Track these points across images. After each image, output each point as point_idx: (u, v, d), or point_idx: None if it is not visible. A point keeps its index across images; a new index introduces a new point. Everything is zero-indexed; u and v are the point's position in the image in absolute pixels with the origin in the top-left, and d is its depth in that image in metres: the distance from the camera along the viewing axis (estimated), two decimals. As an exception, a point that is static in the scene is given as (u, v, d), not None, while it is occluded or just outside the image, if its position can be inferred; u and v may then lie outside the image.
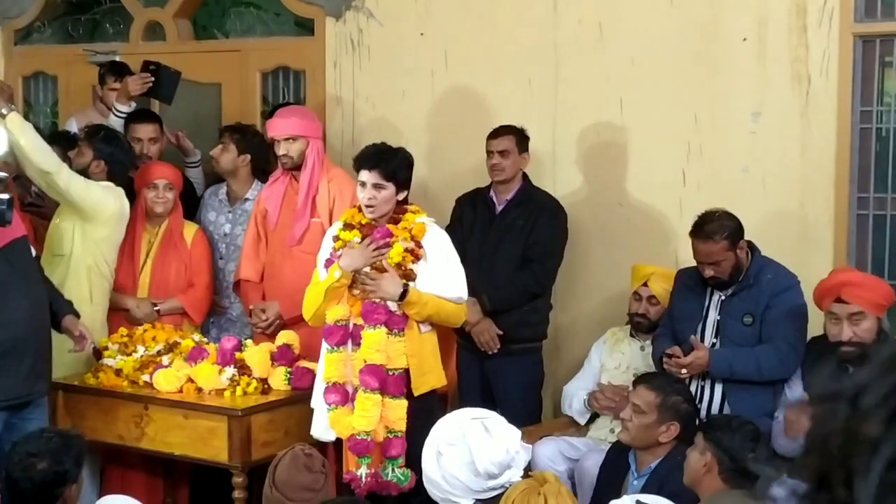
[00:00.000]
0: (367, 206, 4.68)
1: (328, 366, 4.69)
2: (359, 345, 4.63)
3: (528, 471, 3.72)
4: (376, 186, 4.67)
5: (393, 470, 4.59)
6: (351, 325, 4.68)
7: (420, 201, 5.39)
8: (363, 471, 4.59)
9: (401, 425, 4.58)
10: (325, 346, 4.74)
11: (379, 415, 4.58)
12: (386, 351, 4.58)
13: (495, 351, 5.54)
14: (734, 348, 4.83)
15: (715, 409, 4.82)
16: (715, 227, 4.81)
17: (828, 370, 4.60)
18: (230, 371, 5.05)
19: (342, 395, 4.65)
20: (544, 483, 3.41)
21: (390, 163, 4.70)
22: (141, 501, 3.91)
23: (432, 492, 3.66)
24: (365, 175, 4.69)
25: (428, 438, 3.72)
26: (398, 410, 4.59)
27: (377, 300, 4.59)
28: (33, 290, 4.74)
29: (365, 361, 4.59)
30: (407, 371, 4.63)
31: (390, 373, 4.59)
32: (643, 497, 3.51)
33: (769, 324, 4.79)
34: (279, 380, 5.07)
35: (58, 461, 3.62)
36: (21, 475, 3.64)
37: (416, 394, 4.65)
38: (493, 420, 3.71)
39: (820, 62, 5.35)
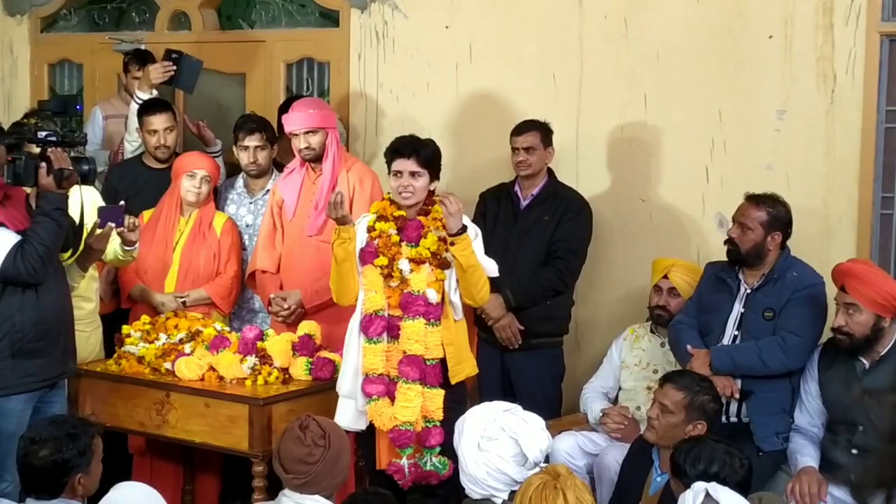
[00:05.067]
0: (404, 194, 4.69)
1: (368, 357, 4.67)
2: (395, 336, 4.65)
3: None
4: (413, 174, 4.68)
5: (431, 459, 4.60)
6: (387, 316, 4.69)
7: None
8: (405, 461, 4.60)
9: (439, 414, 4.60)
10: (359, 337, 4.71)
11: (420, 405, 4.60)
12: (424, 341, 4.60)
13: (516, 346, 5.55)
14: (736, 344, 4.86)
15: (733, 405, 4.82)
16: (767, 199, 4.92)
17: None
18: (252, 360, 5.07)
19: (385, 387, 4.66)
20: (558, 477, 3.41)
21: (425, 151, 4.72)
22: (160, 488, 3.92)
23: (472, 489, 3.67)
24: (401, 163, 4.70)
25: (460, 437, 3.73)
26: (436, 400, 4.60)
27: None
28: (60, 277, 4.79)
29: (404, 352, 4.61)
30: (443, 360, 4.65)
31: (428, 363, 4.61)
32: (713, 488, 3.50)
33: (783, 315, 4.81)
34: (300, 370, 5.09)
35: (59, 450, 3.63)
36: (23, 461, 3.67)
37: (453, 382, 4.67)
38: (521, 410, 3.74)
39: (846, 61, 5.34)
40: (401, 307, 4.63)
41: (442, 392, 4.62)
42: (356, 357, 4.73)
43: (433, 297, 4.62)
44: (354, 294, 4.77)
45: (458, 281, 4.66)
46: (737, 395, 4.76)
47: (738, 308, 4.93)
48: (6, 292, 4.54)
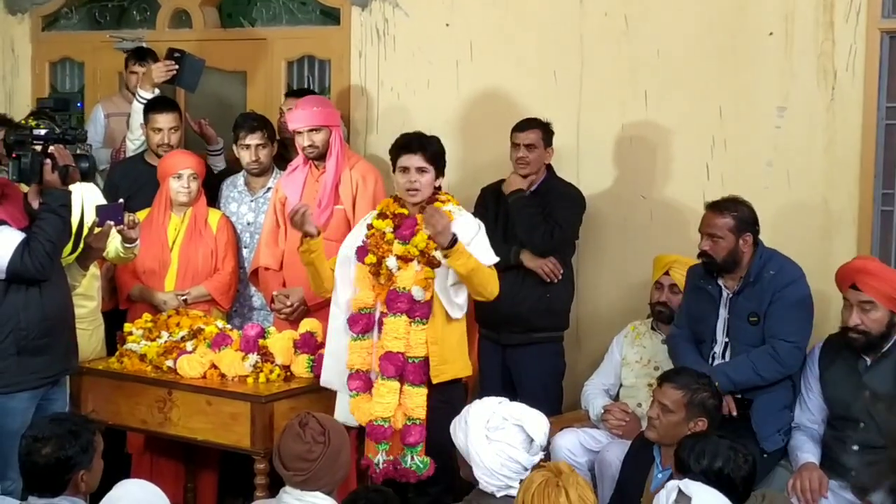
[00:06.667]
0: (411, 191, 4.70)
1: (351, 353, 4.72)
2: (381, 333, 4.66)
3: (542, 462, 3.74)
4: (420, 170, 4.70)
5: (412, 457, 4.61)
6: (377, 314, 4.70)
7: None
8: (380, 457, 4.62)
9: (419, 413, 4.60)
10: (348, 333, 4.75)
11: (396, 402, 4.60)
12: (406, 339, 4.60)
13: (559, 278, 5.50)
14: (728, 362, 4.83)
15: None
16: (729, 204, 4.87)
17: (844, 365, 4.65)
18: (253, 358, 5.08)
19: (364, 383, 4.69)
20: (560, 474, 3.41)
21: (431, 147, 4.75)
22: (161, 487, 3.92)
23: (487, 482, 3.68)
24: (408, 159, 4.72)
25: (466, 435, 3.73)
26: (417, 398, 4.60)
27: (404, 293, 4.60)
28: (61, 274, 4.81)
29: (384, 349, 4.62)
30: (427, 359, 4.64)
31: (410, 361, 4.61)
32: (685, 484, 3.51)
33: (771, 321, 4.79)
34: (302, 367, 5.10)
35: (62, 447, 3.63)
36: (26, 459, 3.67)
37: (434, 381, 4.65)
38: (515, 402, 3.78)
39: (846, 57, 5.34)
40: (386, 303, 4.64)
41: (424, 390, 4.61)
42: (346, 353, 4.76)
43: (419, 294, 4.61)
44: (325, 290, 4.86)
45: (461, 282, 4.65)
46: (735, 412, 4.75)
47: (723, 314, 4.90)
48: (10, 290, 4.55)
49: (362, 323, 4.70)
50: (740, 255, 4.84)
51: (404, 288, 4.62)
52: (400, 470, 4.62)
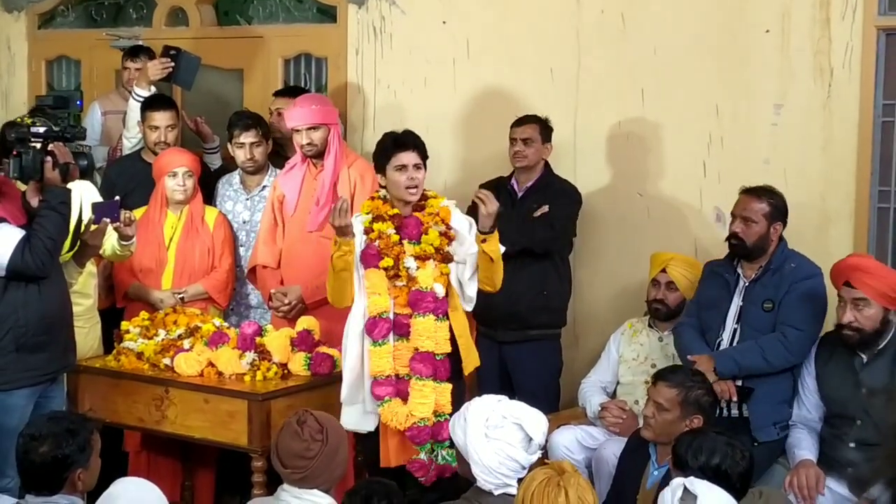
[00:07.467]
0: (411, 188, 4.71)
1: (375, 359, 4.67)
2: (401, 335, 4.66)
3: (542, 459, 3.75)
4: (417, 167, 4.73)
5: (441, 452, 4.62)
6: (392, 316, 4.69)
7: (440, 189, 5.41)
8: (423, 457, 4.60)
9: (449, 408, 4.61)
10: (363, 340, 4.72)
11: (434, 399, 4.62)
12: (434, 337, 4.63)
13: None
14: (736, 346, 4.86)
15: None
16: (766, 191, 4.96)
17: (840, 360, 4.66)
18: (250, 356, 5.08)
19: (394, 387, 4.66)
20: (563, 473, 3.41)
21: (422, 144, 4.79)
22: (158, 486, 3.92)
23: (485, 479, 3.70)
24: (406, 157, 4.72)
25: (465, 433, 3.75)
26: (446, 394, 4.64)
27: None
28: (59, 271, 4.81)
29: (416, 349, 4.63)
30: (449, 355, 4.67)
31: (438, 357, 4.63)
32: (690, 482, 3.51)
33: (784, 308, 4.83)
34: (299, 365, 5.09)
35: (59, 446, 3.64)
36: (23, 457, 3.67)
37: (466, 373, 4.72)
38: (514, 400, 3.79)
39: (842, 55, 5.35)
40: (410, 305, 4.64)
41: (450, 386, 4.65)
42: (357, 362, 4.74)
43: (440, 291, 4.65)
44: (351, 297, 4.78)
45: (476, 272, 4.68)
46: (735, 398, 4.77)
47: (737, 302, 4.95)
48: (9, 287, 4.55)
49: (385, 328, 4.67)
50: (769, 243, 4.91)
51: (427, 287, 4.64)
52: (440, 466, 4.63)
